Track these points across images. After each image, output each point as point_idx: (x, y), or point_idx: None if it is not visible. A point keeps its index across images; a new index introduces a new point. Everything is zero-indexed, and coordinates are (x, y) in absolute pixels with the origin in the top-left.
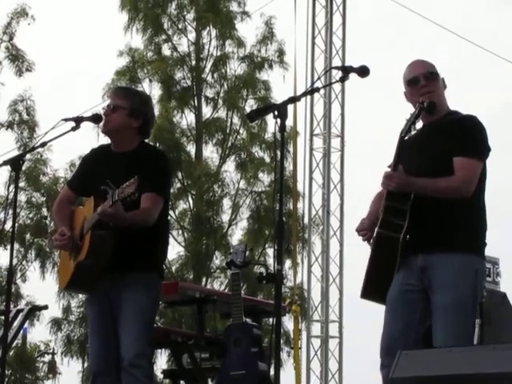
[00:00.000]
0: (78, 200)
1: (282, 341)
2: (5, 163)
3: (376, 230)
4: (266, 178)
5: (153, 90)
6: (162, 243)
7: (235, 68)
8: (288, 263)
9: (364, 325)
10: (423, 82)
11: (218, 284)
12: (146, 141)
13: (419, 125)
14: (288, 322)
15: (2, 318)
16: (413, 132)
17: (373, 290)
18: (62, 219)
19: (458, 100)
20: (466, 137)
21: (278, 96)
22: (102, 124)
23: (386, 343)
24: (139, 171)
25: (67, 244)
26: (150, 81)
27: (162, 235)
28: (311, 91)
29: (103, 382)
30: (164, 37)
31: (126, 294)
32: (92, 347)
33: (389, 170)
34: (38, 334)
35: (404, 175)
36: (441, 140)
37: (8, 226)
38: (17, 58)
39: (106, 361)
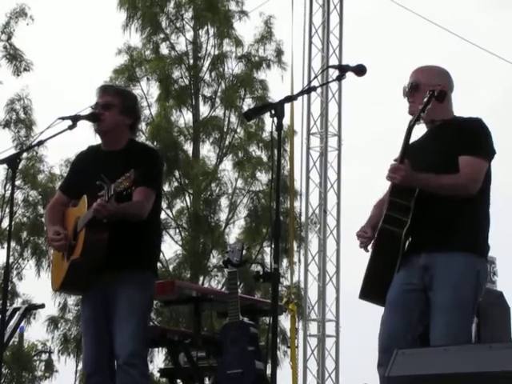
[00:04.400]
0: (73, 203)
1: (278, 340)
2: (1, 162)
3: (380, 224)
4: (263, 177)
5: (151, 88)
6: (155, 241)
7: (233, 67)
8: (285, 262)
9: (361, 324)
10: (407, 93)
11: (215, 283)
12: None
13: (423, 129)
14: (285, 321)
15: None
16: (421, 121)
17: (372, 290)
18: (53, 222)
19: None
20: (472, 136)
21: (276, 96)
22: (96, 124)
23: (384, 342)
24: (131, 168)
25: (64, 244)
26: (148, 79)
27: (155, 233)
28: (308, 90)
29: (96, 382)
30: (162, 35)
31: (121, 292)
32: (85, 347)
33: (395, 162)
34: (35, 332)
35: (410, 169)
36: (447, 139)
37: (5, 224)
38: (15, 57)
39: (98, 360)
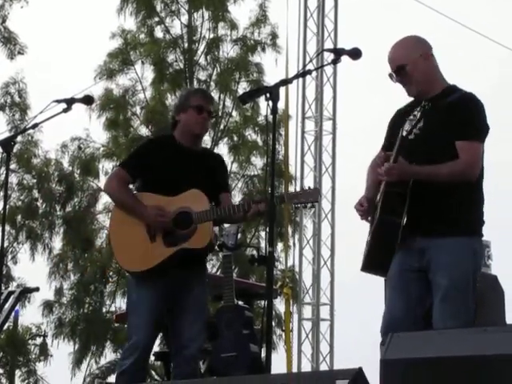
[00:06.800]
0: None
1: (273, 323)
2: None
3: (378, 215)
4: (258, 161)
5: (145, 72)
6: None
7: (228, 51)
8: (280, 246)
9: (355, 307)
10: (397, 79)
11: (210, 266)
12: None
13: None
14: (279, 305)
15: None
16: (411, 117)
17: (374, 264)
18: (140, 201)
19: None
20: (466, 119)
21: (271, 79)
22: (201, 127)
23: (386, 322)
24: (213, 170)
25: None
26: (143, 63)
27: None
28: (303, 74)
29: (146, 357)
30: (157, 19)
31: (195, 290)
32: (143, 327)
33: (388, 163)
34: (30, 316)
35: (406, 165)
36: (441, 124)
37: None
38: (9, 40)
39: (152, 339)
